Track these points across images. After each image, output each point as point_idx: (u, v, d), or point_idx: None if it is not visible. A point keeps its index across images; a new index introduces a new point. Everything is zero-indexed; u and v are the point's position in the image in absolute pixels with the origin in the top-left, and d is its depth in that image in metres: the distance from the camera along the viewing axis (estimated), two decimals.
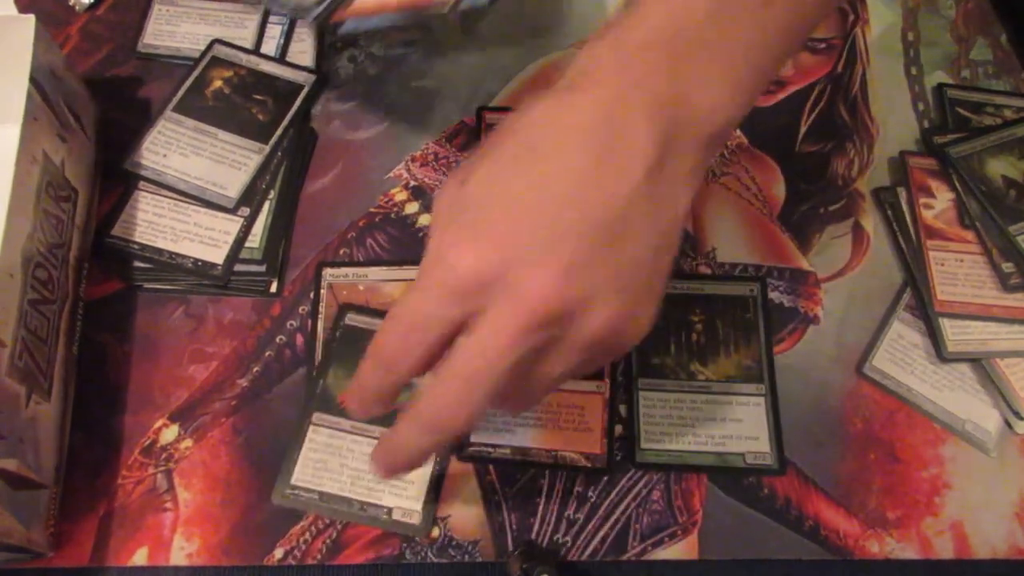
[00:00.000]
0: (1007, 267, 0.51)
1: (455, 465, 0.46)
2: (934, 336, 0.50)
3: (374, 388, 0.35)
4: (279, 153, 0.54)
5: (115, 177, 0.53)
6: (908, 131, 0.59)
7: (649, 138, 0.31)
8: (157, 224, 0.51)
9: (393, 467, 0.36)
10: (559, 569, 0.42)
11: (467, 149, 0.56)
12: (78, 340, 0.48)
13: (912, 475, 0.47)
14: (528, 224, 0.30)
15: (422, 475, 0.45)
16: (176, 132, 0.54)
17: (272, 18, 0.60)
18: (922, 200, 0.54)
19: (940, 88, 0.60)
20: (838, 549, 0.45)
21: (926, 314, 0.51)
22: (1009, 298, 0.51)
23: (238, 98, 0.55)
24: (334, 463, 0.45)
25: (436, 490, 0.45)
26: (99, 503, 0.45)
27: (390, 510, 0.44)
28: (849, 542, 0.46)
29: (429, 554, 0.44)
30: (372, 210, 0.54)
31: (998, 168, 0.54)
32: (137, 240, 0.51)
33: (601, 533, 0.45)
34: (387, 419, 0.46)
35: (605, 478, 0.46)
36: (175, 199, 0.52)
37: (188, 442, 0.46)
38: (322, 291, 0.50)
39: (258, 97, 0.56)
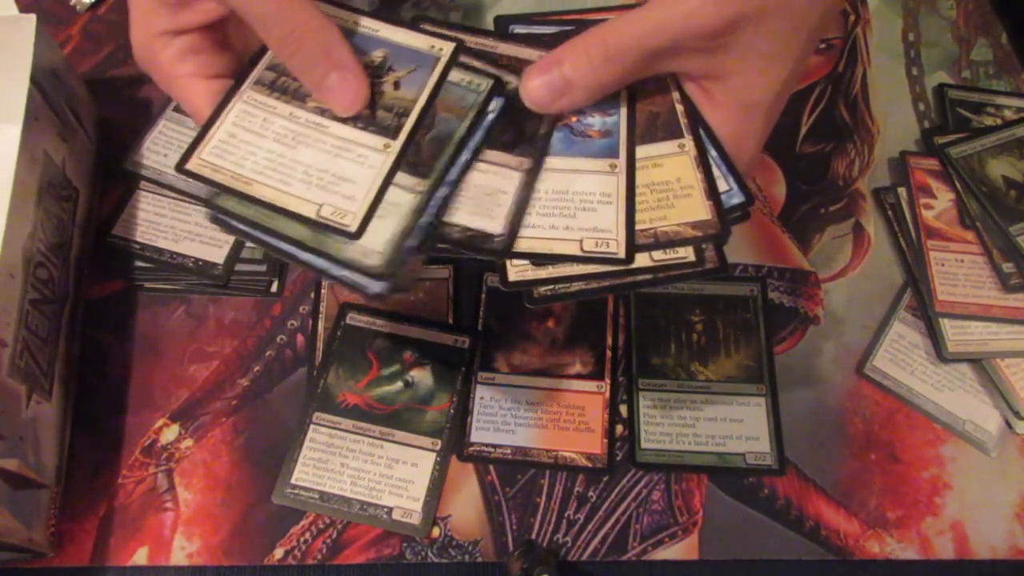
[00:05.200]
0: (1007, 267, 0.51)
1: (455, 465, 0.46)
2: (934, 336, 0.50)
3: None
4: None
5: (116, 177, 0.53)
6: (909, 131, 0.59)
7: None
8: (158, 224, 0.51)
9: (559, 92, 0.35)
10: (559, 569, 0.42)
11: None
12: (79, 340, 0.48)
13: (912, 475, 0.47)
14: None
15: (422, 475, 0.45)
16: (177, 132, 0.54)
17: None
18: (922, 200, 0.54)
19: (941, 88, 0.60)
20: (838, 549, 0.45)
21: (926, 314, 0.51)
22: (1009, 298, 0.51)
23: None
24: (334, 463, 0.45)
25: (436, 490, 0.45)
26: (100, 503, 0.45)
27: (390, 510, 0.44)
28: (849, 542, 0.46)
29: (429, 554, 0.44)
30: None
31: (998, 168, 0.54)
32: (138, 240, 0.51)
33: (601, 533, 0.45)
34: (387, 420, 0.46)
35: (605, 478, 0.46)
36: (176, 198, 0.52)
37: (189, 442, 0.46)
38: (323, 291, 0.50)
39: None
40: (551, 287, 0.35)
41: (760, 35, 0.34)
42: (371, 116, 0.36)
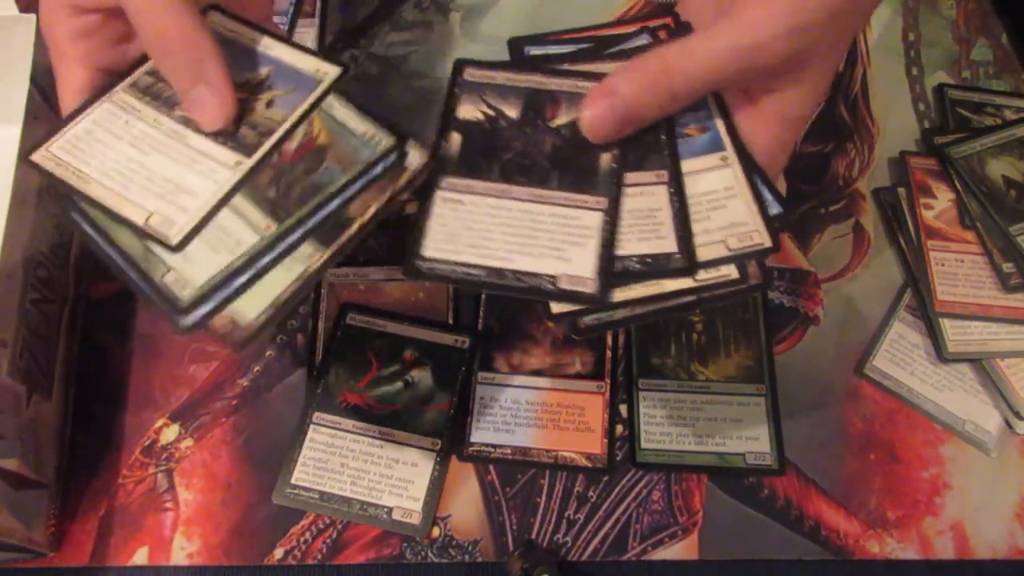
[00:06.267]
0: (1007, 267, 0.51)
1: (455, 465, 0.46)
2: (934, 336, 0.50)
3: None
4: None
5: None
6: (908, 131, 0.59)
7: None
8: None
9: (617, 119, 0.35)
10: (559, 569, 0.42)
11: None
12: (79, 340, 0.48)
13: (912, 475, 0.47)
14: None
15: (422, 475, 0.45)
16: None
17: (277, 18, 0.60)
18: (922, 200, 0.54)
19: (941, 88, 0.60)
20: (838, 549, 0.45)
21: (926, 314, 0.51)
22: (1009, 298, 0.51)
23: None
24: (334, 463, 0.45)
25: (436, 490, 0.45)
26: (100, 503, 0.45)
27: (390, 510, 0.44)
28: (849, 542, 0.46)
29: (429, 554, 0.44)
30: None
31: (998, 168, 0.54)
32: None
33: (601, 533, 0.45)
34: (387, 420, 0.46)
35: (605, 478, 0.46)
36: None
37: (189, 442, 0.46)
38: (322, 291, 0.50)
39: None
40: (596, 317, 0.34)
41: (817, 55, 0.35)
42: (234, 131, 0.35)
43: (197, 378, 0.48)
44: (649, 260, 0.34)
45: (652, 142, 0.36)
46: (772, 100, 0.36)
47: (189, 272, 0.32)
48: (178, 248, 0.32)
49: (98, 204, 0.33)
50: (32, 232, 0.43)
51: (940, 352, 0.50)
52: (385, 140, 0.36)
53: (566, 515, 0.45)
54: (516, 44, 0.41)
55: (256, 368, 0.49)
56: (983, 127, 0.57)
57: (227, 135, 0.35)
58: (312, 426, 0.46)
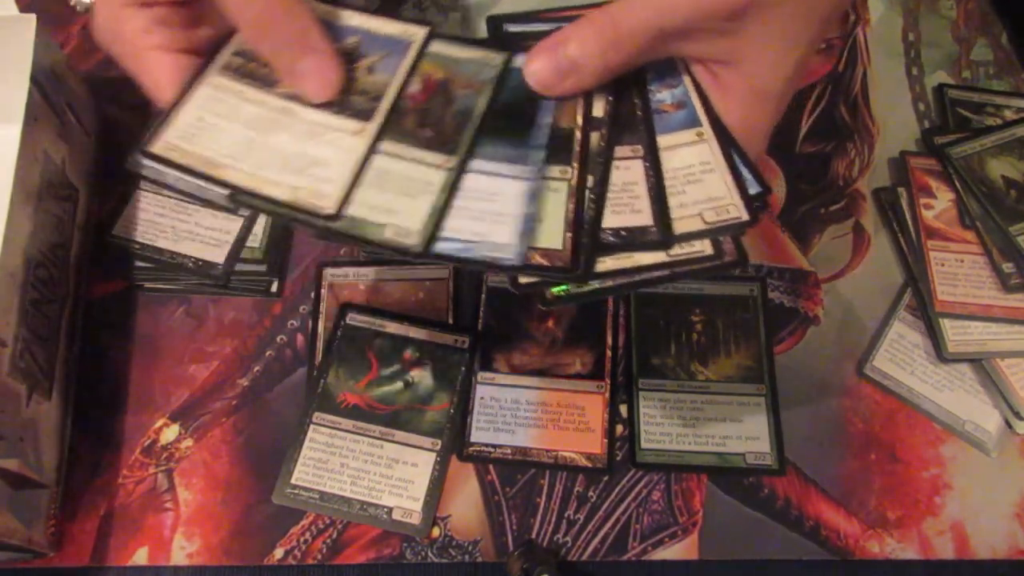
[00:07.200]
0: (1007, 267, 0.51)
1: (455, 465, 0.46)
2: (934, 336, 0.50)
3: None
4: None
5: (116, 177, 0.53)
6: (909, 131, 0.59)
7: None
8: (158, 224, 0.51)
9: (561, 76, 0.35)
10: (559, 569, 0.42)
11: None
12: (79, 340, 0.48)
13: (912, 475, 0.47)
14: None
15: (422, 475, 0.45)
16: None
17: None
18: (922, 200, 0.54)
19: (941, 88, 0.60)
20: (838, 549, 0.45)
21: (926, 314, 0.51)
22: (1009, 298, 0.51)
23: None
24: (334, 463, 0.45)
25: (436, 490, 0.45)
26: (100, 503, 0.45)
27: (390, 510, 0.44)
28: (849, 542, 0.46)
29: (429, 554, 0.44)
30: None
31: (998, 168, 0.54)
32: (138, 240, 0.51)
33: (601, 533, 0.45)
34: (387, 420, 0.46)
35: (605, 478, 0.46)
36: (176, 199, 0.52)
37: (189, 442, 0.46)
38: (323, 291, 0.50)
39: None
40: (564, 288, 0.34)
41: (774, 19, 0.34)
42: (343, 101, 0.35)
43: (197, 378, 0.48)
44: (624, 233, 0.34)
45: (628, 117, 0.36)
46: (735, 75, 0.36)
47: (403, 222, 0.32)
48: (334, 218, 0.32)
49: (237, 188, 0.33)
50: (32, 232, 0.43)
51: (940, 352, 0.50)
52: (498, 56, 0.36)
53: (566, 515, 0.45)
54: (495, 22, 0.41)
55: (256, 368, 0.49)
56: (983, 127, 0.57)
57: (339, 105, 0.35)
58: (312, 426, 0.46)
